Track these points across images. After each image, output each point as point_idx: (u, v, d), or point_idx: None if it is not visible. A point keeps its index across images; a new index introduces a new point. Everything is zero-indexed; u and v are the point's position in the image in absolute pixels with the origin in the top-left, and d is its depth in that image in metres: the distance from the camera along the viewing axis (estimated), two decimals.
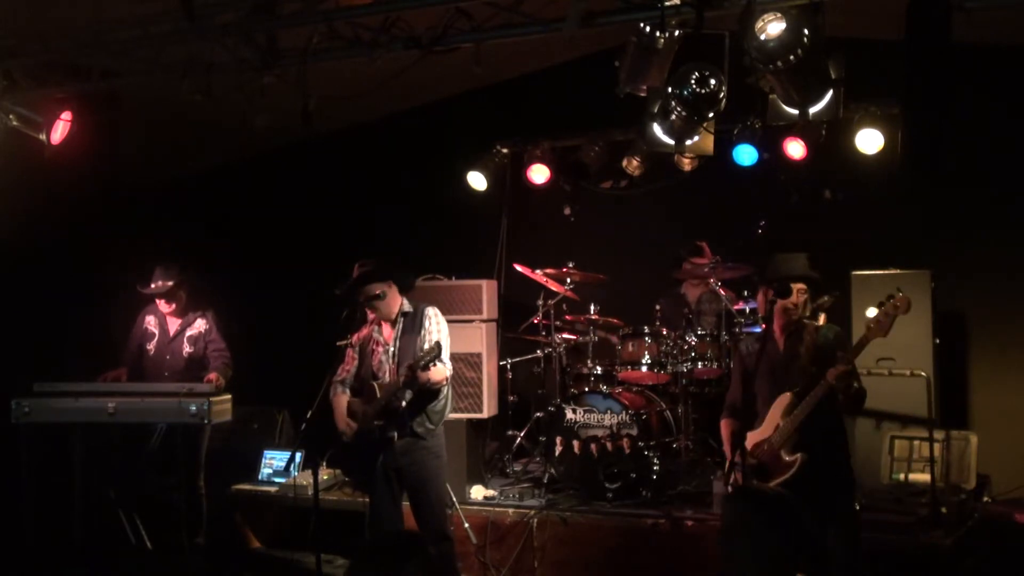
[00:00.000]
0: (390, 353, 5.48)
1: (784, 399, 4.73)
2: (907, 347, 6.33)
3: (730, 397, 5.22)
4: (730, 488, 4.88)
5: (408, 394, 5.33)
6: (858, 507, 5.00)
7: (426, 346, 5.30)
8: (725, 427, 5.10)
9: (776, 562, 4.38)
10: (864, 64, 5.18)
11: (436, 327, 5.45)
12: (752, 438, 4.79)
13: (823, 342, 4.79)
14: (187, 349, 6.63)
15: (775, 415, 4.75)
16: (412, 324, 5.48)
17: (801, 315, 4.86)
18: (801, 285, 4.83)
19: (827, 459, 4.67)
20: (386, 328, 5.55)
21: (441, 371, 5.33)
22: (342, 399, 5.51)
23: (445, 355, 5.37)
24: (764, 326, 5.18)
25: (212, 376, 6.35)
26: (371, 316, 5.59)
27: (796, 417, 4.65)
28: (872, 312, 4.61)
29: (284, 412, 7.63)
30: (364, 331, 5.62)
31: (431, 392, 5.37)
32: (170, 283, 6.54)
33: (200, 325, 6.67)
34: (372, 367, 5.52)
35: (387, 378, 5.44)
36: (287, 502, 6.66)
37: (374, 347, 5.54)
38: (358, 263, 5.51)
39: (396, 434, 5.34)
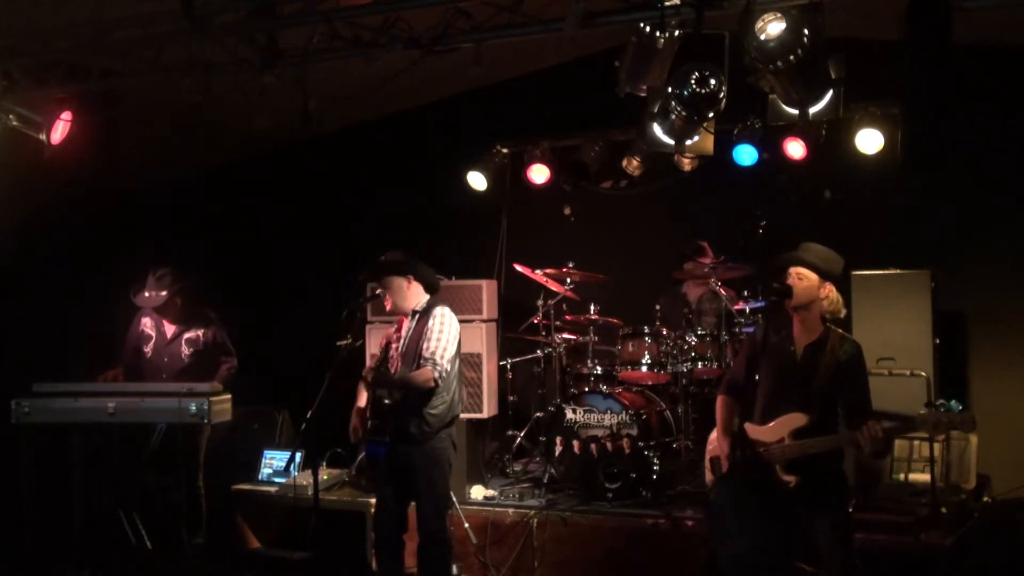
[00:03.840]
0: (399, 350, 5.50)
1: (798, 419, 4.54)
2: (907, 347, 6.34)
3: (732, 374, 5.03)
4: (712, 468, 4.88)
5: (397, 393, 5.32)
6: (851, 509, 4.96)
7: (424, 344, 5.31)
8: (722, 407, 4.90)
9: (768, 541, 4.48)
10: (864, 64, 5.18)
11: (438, 326, 5.39)
12: (753, 432, 4.67)
13: (845, 359, 4.58)
14: (186, 352, 6.59)
15: (782, 428, 4.58)
16: (422, 322, 5.45)
17: (802, 303, 4.63)
18: (799, 268, 4.65)
19: (821, 468, 4.56)
20: (404, 324, 5.56)
21: (424, 372, 5.27)
22: (361, 396, 5.48)
23: (440, 355, 5.31)
24: (762, 321, 5.09)
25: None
26: (382, 312, 5.62)
27: (806, 447, 4.49)
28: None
29: (284, 412, 7.62)
30: (389, 329, 5.65)
31: (423, 393, 5.30)
32: (163, 293, 6.44)
33: (199, 330, 6.63)
34: (388, 363, 5.53)
35: (388, 370, 5.45)
36: (287, 502, 6.65)
37: (393, 343, 5.56)
38: (385, 254, 5.53)
39: (391, 433, 5.33)
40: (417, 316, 5.49)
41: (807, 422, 4.52)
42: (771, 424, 4.64)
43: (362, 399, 5.47)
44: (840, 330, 4.72)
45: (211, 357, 6.63)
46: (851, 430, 4.44)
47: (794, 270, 4.68)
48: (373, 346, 6.51)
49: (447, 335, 5.38)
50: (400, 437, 5.32)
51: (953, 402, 4.36)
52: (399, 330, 5.57)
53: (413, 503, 5.50)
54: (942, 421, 4.31)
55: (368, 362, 5.64)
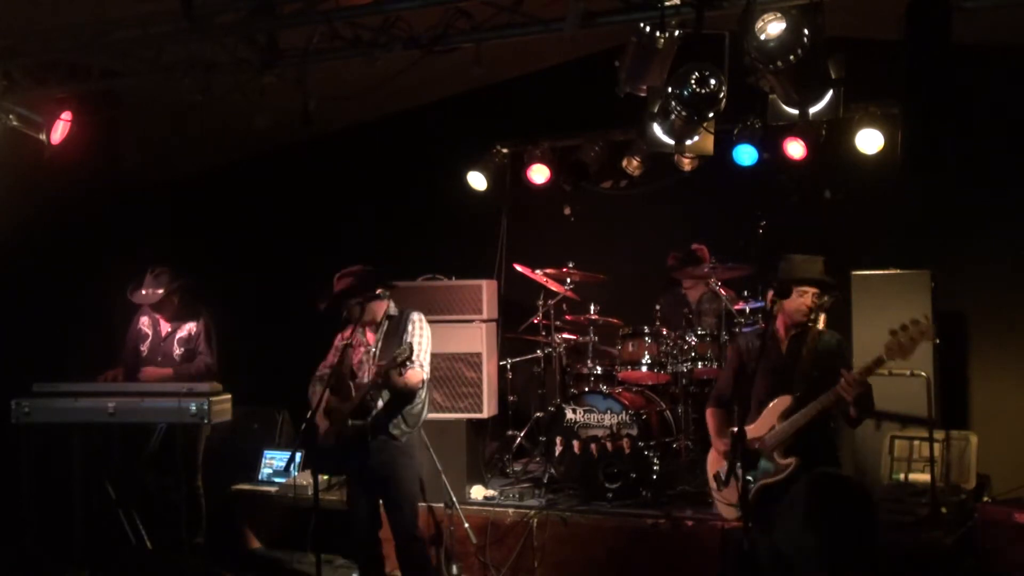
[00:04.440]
0: (371, 354, 5.53)
1: (783, 402, 4.70)
2: None
3: (720, 387, 5.19)
4: (716, 485, 4.91)
5: (384, 395, 5.38)
6: None
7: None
8: (712, 417, 5.08)
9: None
10: (864, 64, 5.18)
11: (419, 331, 5.50)
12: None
13: (825, 347, 4.78)
14: (177, 351, 6.57)
15: (771, 416, 4.73)
16: (396, 327, 5.54)
17: (810, 318, 4.82)
18: (814, 288, 4.80)
19: (817, 462, 4.67)
20: (369, 330, 5.59)
21: (417, 374, 5.37)
22: (316, 398, 5.51)
23: (424, 358, 5.44)
24: (763, 324, 5.15)
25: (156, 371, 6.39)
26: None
27: (795, 422, 4.62)
28: (893, 334, 4.38)
29: (284, 412, 7.63)
30: (348, 331, 5.66)
31: (407, 395, 5.41)
32: (160, 291, 6.44)
33: (190, 327, 6.62)
34: (352, 366, 5.56)
35: (366, 378, 5.48)
36: (287, 502, 6.66)
37: (355, 346, 5.58)
38: (337, 276, 5.56)
39: (370, 434, 5.38)
40: (390, 320, 5.57)
41: (792, 402, 4.65)
42: (760, 417, 4.75)
43: (315, 400, 5.49)
44: (818, 327, 4.90)
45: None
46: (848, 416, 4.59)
47: (810, 290, 4.80)
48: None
49: (427, 340, 5.53)
50: (381, 437, 5.40)
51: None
52: (364, 334, 5.58)
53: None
54: (911, 340, 4.34)
55: (328, 357, 5.64)
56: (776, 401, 4.72)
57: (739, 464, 4.54)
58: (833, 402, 4.51)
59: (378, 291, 5.51)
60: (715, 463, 5.01)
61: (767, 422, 4.74)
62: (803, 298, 4.79)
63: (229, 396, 6.28)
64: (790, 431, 4.63)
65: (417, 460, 5.64)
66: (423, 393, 5.54)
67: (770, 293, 4.82)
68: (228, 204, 8.72)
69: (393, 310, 5.60)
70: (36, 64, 5.86)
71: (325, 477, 6.77)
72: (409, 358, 5.20)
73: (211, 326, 6.64)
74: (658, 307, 7.14)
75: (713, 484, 5.01)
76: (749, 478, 4.67)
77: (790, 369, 4.78)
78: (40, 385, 6.18)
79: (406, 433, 5.45)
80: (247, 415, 7.41)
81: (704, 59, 4.69)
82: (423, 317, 5.61)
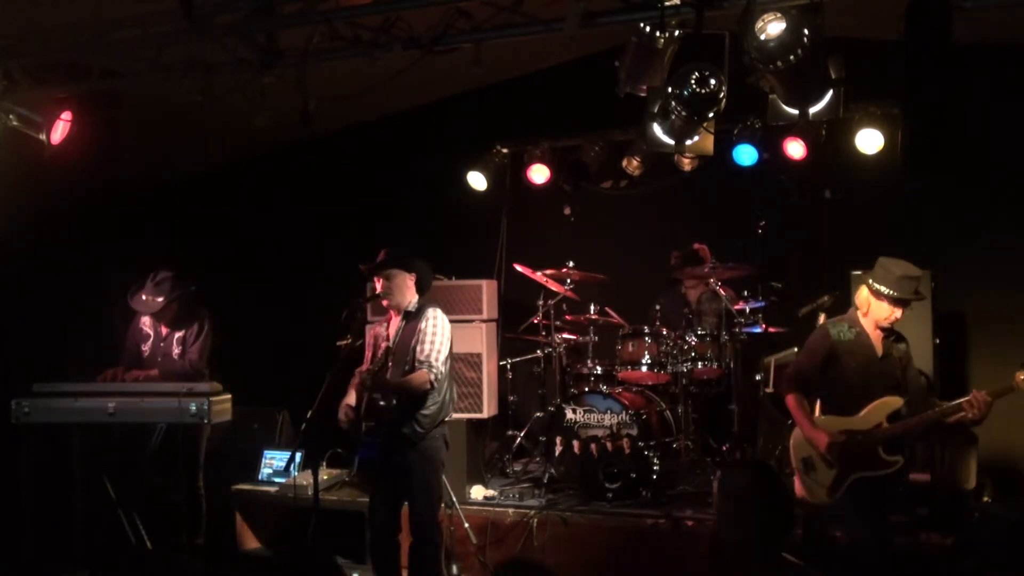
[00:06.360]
0: (388, 350, 5.48)
1: (894, 402, 4.93)
2: None
3: (805, 372, 5.24)
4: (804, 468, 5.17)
5: (393, 396, 5.30)
6: None
7: (418, 347, 5.30)
8: (797, 402, 5.13)
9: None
10: (864, 64, 5.19)
11: (432, 328, 5.38)
12: (839, 424, 4.99)
13: (904, 350, 5.14)
14: (176, 350, 6.55)
15: (876, 414, 4.94)
16: (413, 323, 5.45)
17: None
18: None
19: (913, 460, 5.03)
20: (393, 324, 5.54)
21: (422, 375, 5.25)
22: (351, 394, 5.46)
23: (435, 357, 5.31)
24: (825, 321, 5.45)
25: (142, 373, 6.37)
26: (384, 313, 5.58)
27: (908, 426, 4.88)
28: None
29: (284, 412, 7.61)
30: (378, 327, 5.63)
31: (417, 396, 5.29)
32: (159, 299, 6.35)
33: (189, 327, 6.60)
34: (385, 366, 5.49)
35: (385, 374, 5.42)
36: (287, 502, 6.64)
37: (381, 342, 5.54)
38: (385, 248, 5.54)
39: (383, 435, 5.32)
40: (408, 316, 5.48)
41: (903, 405, 4.94)
42: (863, 412, 4.97)
43: (352, 397, 5.45)
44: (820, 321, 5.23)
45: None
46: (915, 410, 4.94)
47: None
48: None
49: (440, 337, 5.38)
50: (394, 438, 5.31)
51: None
52: (388, 329, 5.56)
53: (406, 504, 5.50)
54: None
55: (366, 361, 5.61)
56: (885, 400, 4.96)
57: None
58: (953, 414, 4.78)
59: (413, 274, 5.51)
60: (802, 447, 5.13)
61: (873, 419, 4.95)
62: (895, 313, 5.00)
63: (229, 396, 6.27)
64: (900, 432, 4.89)
65: (438, 463, 5.48)
66: (439, 395, 5.37)
67: (863, 289, 5.09)
68: (228, 204, 8.71)
69: (414, 305, 5.51)
70: (36, 64, 5.86)
71: (325, 476, 6.78)
72: (384, 366, 5.21)
73: (207, 327, 6.60)
74: (658, 307, 7.15)
75: (799, 467, 5.14)
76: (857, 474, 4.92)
77: (887, 368, 5.04)
78: (40, 385, 6.16)
79: (420, 434, 5.30)
80: (247, 415, 7.40)
81: (704, 59, 4.69)
82: (439, 313, 5.47)
